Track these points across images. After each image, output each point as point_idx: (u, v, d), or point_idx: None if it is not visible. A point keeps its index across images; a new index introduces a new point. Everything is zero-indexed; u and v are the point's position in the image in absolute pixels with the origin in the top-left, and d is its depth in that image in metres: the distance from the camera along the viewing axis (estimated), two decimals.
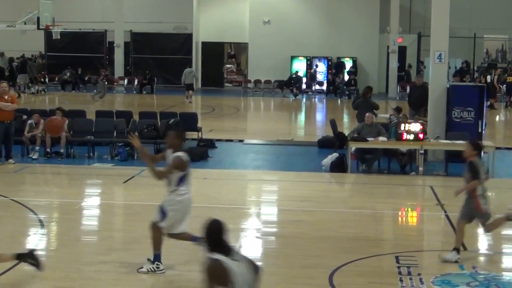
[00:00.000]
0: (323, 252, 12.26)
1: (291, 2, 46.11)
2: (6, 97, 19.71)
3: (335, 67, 45.02)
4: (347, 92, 42.19)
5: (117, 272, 11.06)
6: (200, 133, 24.22)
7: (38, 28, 40.37)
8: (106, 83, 40.48)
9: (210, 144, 23.06)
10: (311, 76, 45.08)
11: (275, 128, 29.47)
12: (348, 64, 44.96)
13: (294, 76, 43.41)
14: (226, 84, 49.42)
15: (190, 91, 38.97)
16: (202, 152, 21.50)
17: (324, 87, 45.12)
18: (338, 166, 19.66)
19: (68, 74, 44.28)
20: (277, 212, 15.90)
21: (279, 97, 42.63)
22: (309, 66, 45.69)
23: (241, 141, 24.94)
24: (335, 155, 20.03)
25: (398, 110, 23.02)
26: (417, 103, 23.60)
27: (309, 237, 13.22)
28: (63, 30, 44.06)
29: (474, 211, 11.83)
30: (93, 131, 22.06)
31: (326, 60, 45.87)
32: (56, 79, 45.44)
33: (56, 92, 43.14)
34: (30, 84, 42.13)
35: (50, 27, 41.98)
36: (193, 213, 15.33)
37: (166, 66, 46.85)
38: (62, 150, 21.21)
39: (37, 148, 21.13)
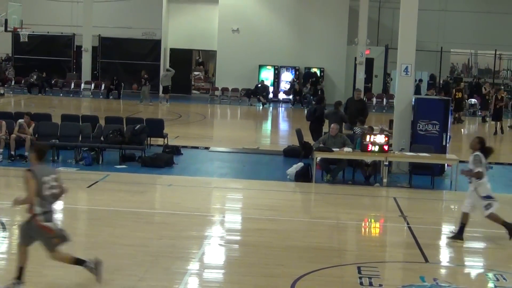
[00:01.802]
0: (286, 261, 12.29)
1: (260, 11, 46.20)
2: None
3: (304, 77, 45.13)
4: (313, 102, 42.19)
5: (79, 277, 11.00)
6: (166, 139, 24.18)
7: (6, 30, 40.12)
8: (149, 87, 40.52)
9: (175, 150, 23.02)
10: (290, 86, 45.12)
11: (241, 136, 29.50)
12: (315, 74, 45.14)
13: (259, 85, 43.48)
14: (194, 91, 49.39)
15: (166, 94, 40.56)
16: (167, 159, 21.45)
17: (291, 96, 45.18)
18: (303, 176, 19.72)
19: (35, 77, 43.96)
20: (241, 220, 15.91)
21: (246, 106, 42.67)
22: (277, 75, 45.81)
23: (206, 148, 24.92)
24: (300, 164, 20.09)
25: (362, 121, 23.15)
26: (354, 117, 23.62)
27: (273, 246, 13.25)
28: (31, 33, 43.81)
29: (34, 232, 10.27)
30: (58, 135, 21.94)
31: (293, 69, 45.99)
32: (23, 81, 45.10)
33: (22, 95, 42.84)
34: None
35: (18, 30, 41.74)
36: (157, 219, 15.39)
37: (134, 72, 46.69)
38: (26, 153, 21.06)
39: (1, 150, 20.97)
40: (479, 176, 13.92)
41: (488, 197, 14.01)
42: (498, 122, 33.16)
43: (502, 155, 28.01)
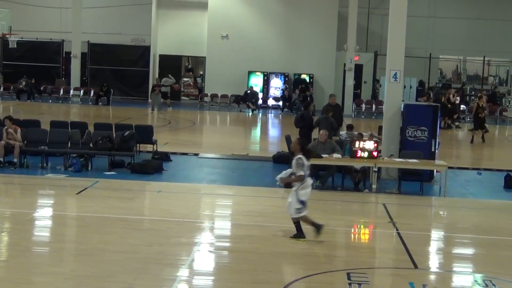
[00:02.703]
0: (275, 268, 12.30)
1: (249, 18, 46.22)
2: None
3: (294, 84, 45.16)
4: (302, 108, 42.21)
5: (68, 284, 10.98)
6: (155, 146, 24.15)
7: None
8: (160, 95, 40.32)
9: (165, 157, 22.99)
10: (282, 93, 45.08)
11: (231, 142, 29.48)
12: (305, 81, 45.19)
13: (249, 91, 43.50)
14: (183, 98, 49.34)
15: (167, 100, 41.18)
16: (156, 165, 21.43)
17: (280, 102, 45.20)
18: None
19: (24, 83, 43.84)
20: (231, 227, 15.89)
21: (235, 112, 42.67)
22: (266, 81, 45.83)
23: (196, 154, 24.89)
24: (289, 170, 20.04)
25: (350, 127, 23.15)
26: (339, 122, 23.65)
27: (262, 252, 13.24)
28: (19, 39, 43.72)
29: None
30: (47, 142, 21.89)
31: (283, 76, 46.02)
32: (12, 88, 44.97)
33: (11, 101, 42.72)
34: None
35: (7, 36, 41.68)
36: (147, 226, 15.37)
37: (123, 78, 46.71)
38: (15, 160, 21.01)
39: None
40: (300, 179, 14.03)
41: (302, 202, 14.07)
42: (481, 131, 32.27)
43: (490, 161, 28.14)
